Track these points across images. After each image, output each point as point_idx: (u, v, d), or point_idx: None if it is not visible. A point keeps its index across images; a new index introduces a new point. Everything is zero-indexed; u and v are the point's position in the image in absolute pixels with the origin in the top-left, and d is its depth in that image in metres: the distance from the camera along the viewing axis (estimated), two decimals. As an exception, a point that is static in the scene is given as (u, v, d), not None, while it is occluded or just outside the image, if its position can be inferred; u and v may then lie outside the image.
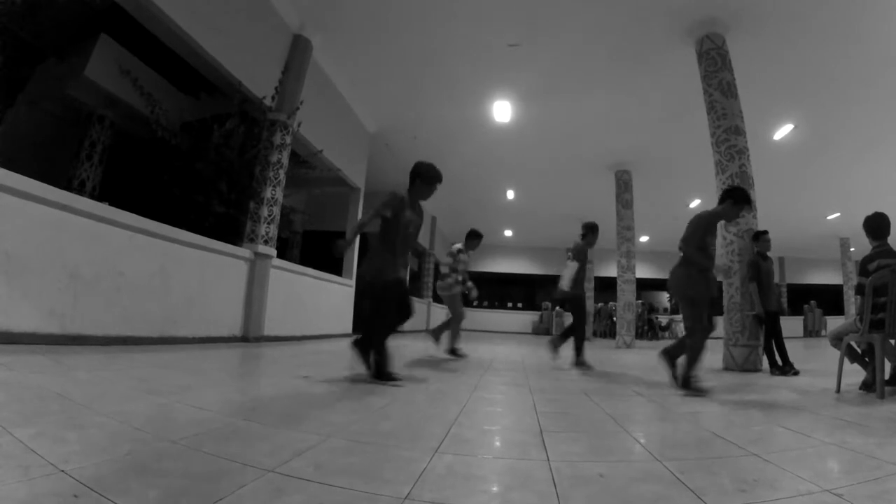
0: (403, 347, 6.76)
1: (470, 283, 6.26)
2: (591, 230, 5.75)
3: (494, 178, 13.96)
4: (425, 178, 3.65)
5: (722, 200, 3.88)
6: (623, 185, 12.11)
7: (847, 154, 10.91)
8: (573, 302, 5.70)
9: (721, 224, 6.07)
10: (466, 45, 7.46)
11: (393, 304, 3.52)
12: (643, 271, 15.62)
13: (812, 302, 20.69)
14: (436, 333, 6.47)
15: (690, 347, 3.72)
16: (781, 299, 20.76)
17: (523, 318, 21.80)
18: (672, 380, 3.81)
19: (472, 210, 17.25)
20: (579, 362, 5.59)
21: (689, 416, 2.71)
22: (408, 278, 3.45)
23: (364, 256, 3.62)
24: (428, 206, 16.14)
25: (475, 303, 22.64)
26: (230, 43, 5.92)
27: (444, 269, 6.15)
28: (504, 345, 10.64)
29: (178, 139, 6.01)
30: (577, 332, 5.77)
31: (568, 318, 18.96)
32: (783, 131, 9.71)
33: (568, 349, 5.92)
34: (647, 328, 18.84)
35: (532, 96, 8.93)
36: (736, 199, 3.78)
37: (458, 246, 6.18)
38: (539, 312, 21.44)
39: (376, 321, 3.55)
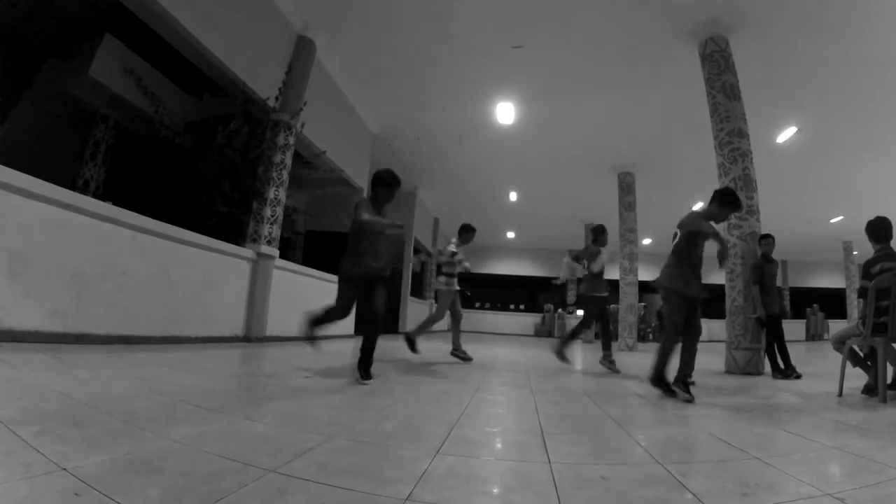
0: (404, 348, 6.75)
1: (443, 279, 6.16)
2: (601, 232, 6.01)
3: (497, 180, 13.96)
4: (384, 182, 3.83)
5: (711, 201, 3.84)
6: (626, 187, 12.09)
7: (850, 157, 10.88)
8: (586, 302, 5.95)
9: (724, 227, 6.09)
10: (470, 47, 7.47)
11: (368, 296, 3.67)
12: (646, 273, 15.56)
13: (814, 305, 20.61)
14: (455, 341, 6.21)
15: (659, 347, 3.58)
16: (784, 302, 20.70)
17: (525, 321, 21.74)
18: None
19: (474, 211, 17.21)
20: (559, 352, 5.80)
21: (690, 419, 2.71)
22: (385, 273, 3.80)
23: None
24: (430, 207, 16.24)
25: (477, 304, 22.64)
26: (234, 43, 5.94)
27: (446, 269, 6.12)
28: (506, 346, 10.63)
29: (181, 139, 6.02)
30: (577, 328, 6.03)
31: (571, 320, 18.78)
32: (786, 134, 9.69)
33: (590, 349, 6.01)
34: (658, 330, 18.92)
35: (535, 98, 8.93)
36: (722, 200, 3.72)
37: (452, 247, 6.13)
38: (541, 314, 21.39)
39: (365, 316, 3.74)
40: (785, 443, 2.18)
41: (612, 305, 17.92)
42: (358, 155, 9.89)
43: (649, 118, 9.43)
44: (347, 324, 9.44)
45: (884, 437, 2.29)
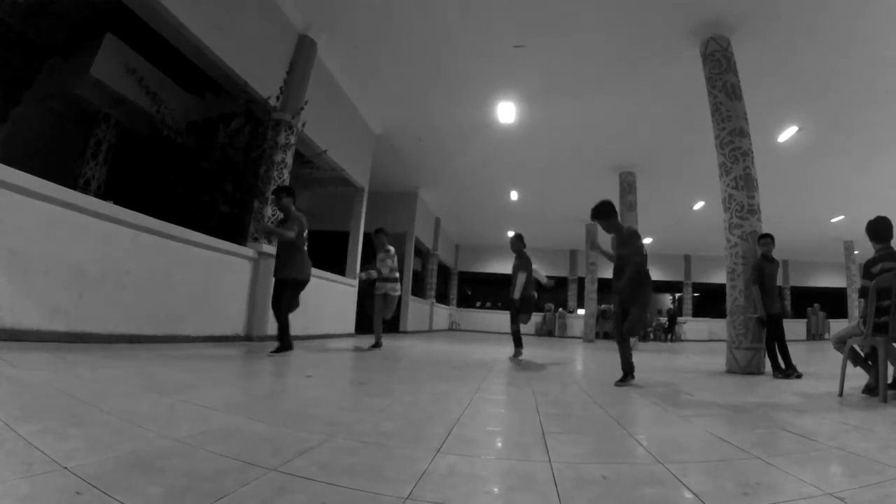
0: (409, 348, 6.76)
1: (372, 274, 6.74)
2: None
3: (498, 179, 13.95)
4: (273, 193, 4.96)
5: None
6: (627, 186, 12.07)
7: (851, 157, 10.87)
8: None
9: (725, 227, 6.12)
10: (472, 47, 7.47)
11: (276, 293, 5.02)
12: (647, 273, 15.52)
13: (815, 305, 20.57)
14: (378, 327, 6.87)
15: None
16: (785, 302, 20.66)
17: (525, 320, 21.72)
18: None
19: (475, 211, 17.23)
20: (515, 355, 6.80)
21: (691, 419, 2.70)
22: (294, 275, 5.05)
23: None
24: (432, 206, 16.24)
25: (478, 304, 22.60)
26: (236, 43, 5.94)
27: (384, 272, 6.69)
28: (507, 346, 10.61)
29: (183, 138, 6.03)
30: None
31: (572, 319, 18.98)
32: (787, 133, 9.68)
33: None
34: (667, 330, 19.09)
35: (536, 97, 8.93)
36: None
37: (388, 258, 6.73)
38: (542, 314, 21.39)
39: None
40: (786, 442, 2.17)
41: (610, 306, 17.93)
42: (359, 154, 9.89)
43: (650, 118, 9.42)
44: (348, 323, 9.46)
45: (884, 436, 2.29)
